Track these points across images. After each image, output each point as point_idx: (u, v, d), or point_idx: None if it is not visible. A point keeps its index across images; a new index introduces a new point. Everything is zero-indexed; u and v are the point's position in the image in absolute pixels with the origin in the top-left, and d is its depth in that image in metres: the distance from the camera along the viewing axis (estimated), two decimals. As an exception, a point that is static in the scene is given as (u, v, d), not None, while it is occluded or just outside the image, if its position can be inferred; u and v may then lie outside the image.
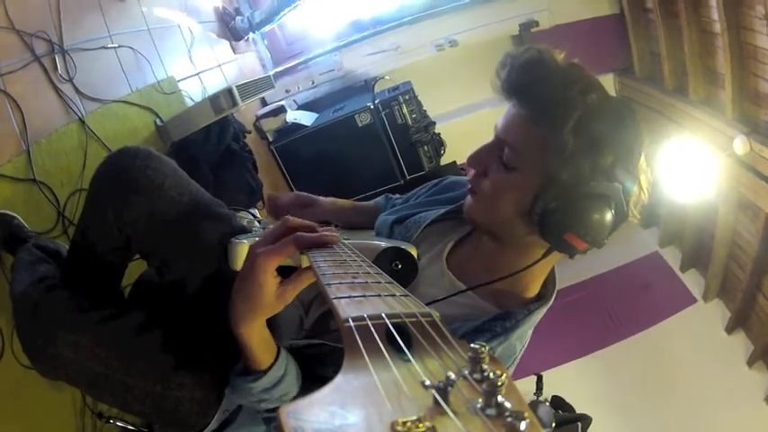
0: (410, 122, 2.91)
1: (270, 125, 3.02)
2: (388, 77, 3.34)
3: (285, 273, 0.63)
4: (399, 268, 0.77)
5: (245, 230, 0.94)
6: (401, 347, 0.32)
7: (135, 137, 1.90)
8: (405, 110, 2.90)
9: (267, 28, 3.21)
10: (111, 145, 1.72)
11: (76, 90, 1.69)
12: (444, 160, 3.11)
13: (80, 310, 0.83)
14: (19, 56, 1.52)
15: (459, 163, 3.06)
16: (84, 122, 1.65)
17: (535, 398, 2.69)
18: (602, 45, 3.38)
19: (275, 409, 0.64)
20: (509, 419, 0.23)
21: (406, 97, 2.89)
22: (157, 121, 2.03)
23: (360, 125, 2.90)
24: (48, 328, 0.80)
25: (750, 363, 2.88)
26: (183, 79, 2.36)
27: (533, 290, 0.85)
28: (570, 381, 3.01)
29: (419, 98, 3.00)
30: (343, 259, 0.56)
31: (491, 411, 0.24)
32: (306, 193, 1.09)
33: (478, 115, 3.29)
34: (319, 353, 0.77)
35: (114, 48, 1.96)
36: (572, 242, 0.73)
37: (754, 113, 2.43)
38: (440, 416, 0.24)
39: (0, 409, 1.16)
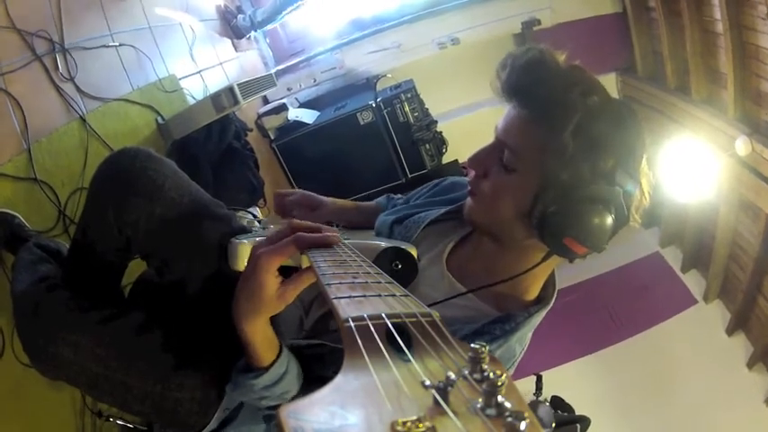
0: (412, 121, 2.91)
1: (271, 123, 3.02)
2: (389, 75, 3.34)
3: (288, 273, 0.63)
4: (399, 268, 0.77)
5: (244, 230, 0.94)
6: (401, 347, 0.32)
7: (136, 135, 1.90)
8: (406, 108, 2.90)
9: (269, 27, 3.21)
10: (112, 143, 1.72)
11: (77, 89, 1.69)
12: (446, 159, 3.11)
13: (81, 311, 0.84)
14: (20, 55, 1.52)
15: (460, 162, 3.06)
16: (85, 121, 1.65)
17: (535, 398, 2.70)
18: (605, 44, 3.37)
19: (276, 408, 0.65)
20: (509, 419, 0.23)
21: (408, 95, 2.89)
22: (159, 119, 2.03)
23: (361, 123, 2.90)
24: (49, 328, 0.80)
25: (750, 365, 2.87)
26: (184, 77, 2.36)
27: (533, 292, 0.85)
28: (570, 381, 3.01)
29: (421, 96, 2.99)
30: (344, 259, 0.56)
31: (491, 411, 0.24)
32: (312, 193, 1.09)
33: (480, 114, 3.28)
34: (319, 353, 0.77)
35: (115, 46, 1.96)
36: (571, 247, 0.72)
37: (755, 114, 2.43)
38: (440, 416, 0.24)
39: (0, 407, 1.16)
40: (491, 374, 0.26)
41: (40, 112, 1.52)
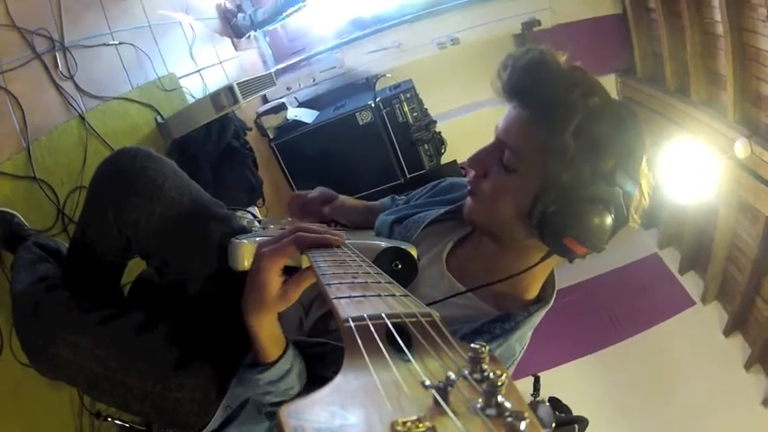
0: (411, 121, 2.91)
1: (271, 122, 3.02)
2: (389, 75, 3.34)
3: (292, 273, 0.64)
4: (399, 268, 0.77)
5: (244, 230, 0.94)
6: (401, 347, 0.32)
7: (135, 134, 1.90)
8: (406, 108, 2.90)
9: (269, 27, 3.21)
10: (112, 142, 1.72)
11: (77, 87, 1.69)
12: (445, 159, 3.11)
13: (80, 311, 0.83)
14: (20, 53, 1.51)
15: (459, 162, 3.06)
16: (84, 119, 1.65)
17: (533, 399, 2.70)
18: (605, 45, 3.38)
19: (279, 404, 0.65)
20: (509, 419, 0.23)
21: (407, 95, 2.89)
22: (158, 118, 2.02)
23: (360, 123, 2.90)
24: (48, 328, 0.80)
25: (747, 366, 2.88)
26: (184, 76, 2.36)
27: (533, 292, 0.85)
28: (568, 381, 3.01)
29: (420, 96, 2.99)
30: (343, 259, 0.56)
31: (491, 411, 0.25)
32: (327, 189, 1.10)
33: (479, 114, 3.29)
34: (321, 351, 0.77)
35: (115, 45, 1.95)
36: (571, 247, 0.72)
37: (755, 116, 2.43)
38: (440, 416, 0.24)
39: (-1, 406, 1.16)
40: (491, 374, 0.26)
41: (40, 110, 1.52)
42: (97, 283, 0.94)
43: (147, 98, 2.00)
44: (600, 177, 0.71)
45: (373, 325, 0.34)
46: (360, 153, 2.94)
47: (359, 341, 0.32)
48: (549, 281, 0.87)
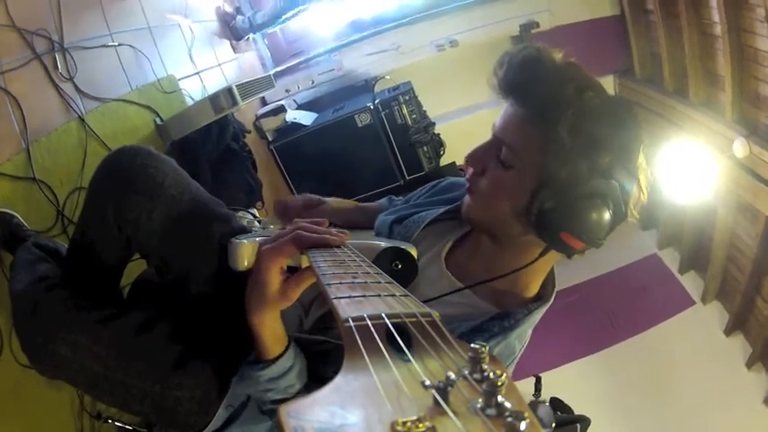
0: (410, 123, 2.91)
1: (269, 125, 3.02)
2: (388, 77, 3.34)
3: (293, 272, 0.64)
4: (399, 268, 0.77)
5: (244, 230, 0.94)
6: (401, 347, 0.32)
7: (135, 135, 1.90)
8: (404, 110, 2.90)
9: (268, 30, 3.21)
10: (111, 143, 1.72)
11: (77, 88, 1.69)
12: (444, 161, 3.10)
13: (80, 310, 0.83)
14: (19, 54, 1.52)
15: (458, 164, 3.06)
16: (83, 121, 1.65)
17: (534, 399, 2.70)
18: (603, 46, 3.38)
19: (280, 403, 0.65)
20: (509, 419, 0.23)
21: (406, 97, 2.89)
22: (157, 119, 2.03)
23: (359, 125, 2.90)
24: (47, 328, 0.80)
25: (749, 365, 2.88)
26: (183, 78, 2.36)
27: (533, 290, 0.85)
28: (569, 382, 3.01)
29: (419, 98, 2.99)
30: (343, 259, 0.56)
31: (491, 411, 0.25)
32: (312, 195, 1.10)
33: (478, 116, 3.29)
34: (323, 350, 0.77)
35: (115, 46, 1.96)
36: (568, 242, 0.72)
37: (753, 116, 2.44)
38: (440, 416, 0.24)
39: (-2, 407, 1.16)
40: (491, 374, 0.26)
41: (39, 111, 1.52)
42: (97, 284, 0.94)
43: (147, 100, 2.00)
44: (596, 172, 0.72)
45: (373, 325, 0.34)
46: (359, 155, 2.94)
47: (359, 341, 0.32)
48: (549, 279, 0.87)
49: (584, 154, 0.71)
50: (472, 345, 0.29)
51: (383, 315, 0.35)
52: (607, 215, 0.72)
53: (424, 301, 0.42)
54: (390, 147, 2.95)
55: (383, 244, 0.80)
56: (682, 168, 2.42)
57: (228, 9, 3.12)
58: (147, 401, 0.80)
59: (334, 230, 0.66)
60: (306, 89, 3.44)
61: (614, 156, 0.72)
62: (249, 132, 2.66)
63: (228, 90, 1.97)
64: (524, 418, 0.23)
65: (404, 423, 0.23)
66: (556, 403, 2.73)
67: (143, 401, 0.80)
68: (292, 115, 3.05)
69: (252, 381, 0.71)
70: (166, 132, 2.03)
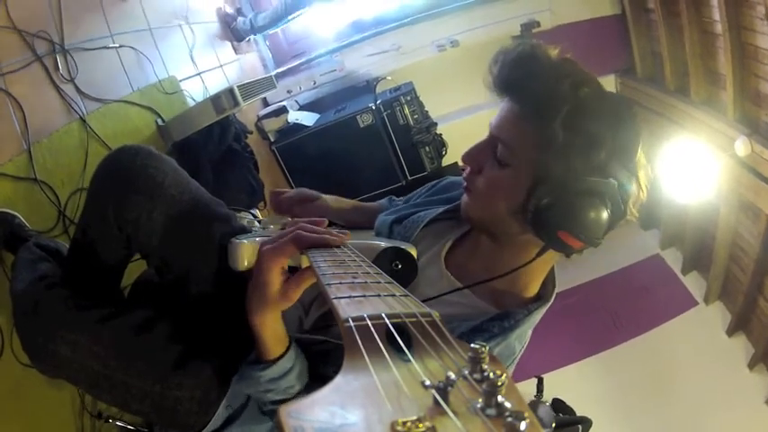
0: (412, 123, 2.91)
1: (271, 125, 3.02)
2: (389, 78, 3.34)
3: (294, 272, 0.64)
4: (399, 268, 0.77)
5: (245, 230, 0.94)
6: (401, 347, 0.32)
7: (136, 136, 1.90)
8: (406, 110, 2.90)
9: (269, 32, 3.21)
10: (112, 144, 1.72)
11: (78, 90, 1.69)
12: (446, 161, 3.11)
13: (80, 309, 0.84)
14: (20, 55, 1.52)
15: (460, 164, 3.05)
16: (85, 122, 1.66)
17: (535, 399, 2.70)
18: (604, 46, 3.38)
19: (280, 403, 0.65)
20: (509, 419, 0.23)
21: (408, 98, 2.89)
22: (159, 120, 2.03)
23: (361, 126, 2.90)
24: (48, 327, 0.80)
25: (751, 365, 2.87)
26: (184, 79, 2.36)
27: (532, 290, 0.85)
28: (571, 383, 3.01)
29: (421, 99, 2.99)
30: (343, 259, 0.56)
31: (491, 411, 0.24)
32: (308, 189, 1.09)
33: (480, 116, 3.28)
34: (323, 349, 0.77)
35: (116, 47, 1.96)
36: (566, 240, 0.72)
37: (755, 114, 2.43)
38: (440, 416, 0.24)
39: (0, 407, 1.16)
40: (491, 374, 0.26)
41: (41, 112, 1.52)
42: (97, 283, 0.94)
43: (148, 101, 2.00)
44: (593, 169, 0.71)
45: (373, 325, 0.34)
46: (361, 156, 2.94)
47: (359, 341, 0.32)
48: (550, 278, 0.86)
49: (581, 151, 0.70)
50: (472, 345, 0.29)
51: (383, 315, 0.35)
52: (605, 213, 0.71)
53: (424, 301, 0.42)
54: (392, 147, 2.95)
55: (383, 244, 0.80)
56: (683, 167, 2.42)
57: (229, 10, 3.13)
58: (147, 401, 0.80)
59: (334, 230, 0.65)
60: (307, 90, 3.44)
61: (611, 153, 0.71)
62: (251, 133, 2.66)
63: (230, 91, 1.97)
64: (524, 418, 0.23)
65: (404, 423, 0.23)
66: (558, 404, 2.72)
67: (143, 401, 0.80)
68: (294, 116, 3.05)
69: (252, 381, 0.71)
70: (168, 133, 2.03)
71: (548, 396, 2.78)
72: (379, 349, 0.31)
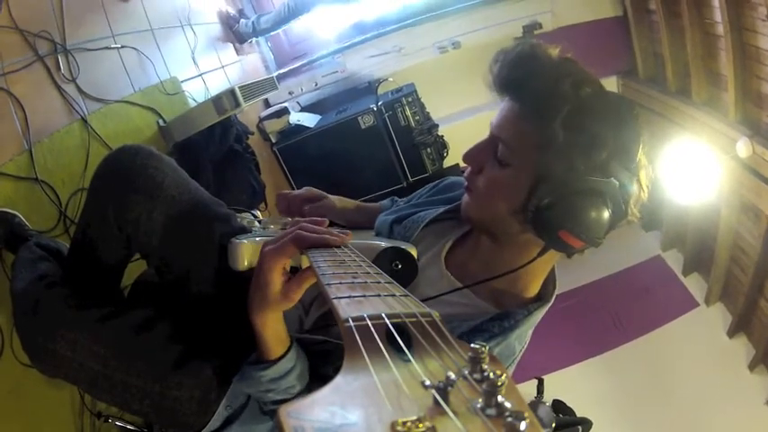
0: (413, 124, 2.91)
1: (273, 127, 3.03)
2: (391, 79, 3.34)
3: (294, 273, 0.64)
4: (399, 268, 0.77)
5: (245, 230, 0.94)
6: (401, 347, 0.32)
7: (137, 137, 1.90)
8: (408, 112, 2.90)
9: (271, 34, 3.22)
10: (114, 145, 1.72)
11: (79, 90, 1.69)
12: (447, 162, 3.11)
13: (80, 308, 0.84)
14: (22, 55, 1.52)
15: (461, 166, 3.05)
16: (86, 122, 1.66)
17: (535, 399, 2.69)
18: (606, 47, 3.37)
19: (281, 403, 0.65)
20: (509, 419, 0.23)
21: (409, 99, 2.89)
22: (160, 121, 2.03)
23: (363, 127, 2.90)
24: (48, 326, 0.80)
25: (752, 367, 2.87)
26: (186, 80, 2.36)
27: (533, 290, 0.85)
28: (572, 384, 3.00)
29: (422, 100, 3.00)
30: (343, 259, 0.56)
31: (491, 411, 0.24)
32: (315, 189, 1.09)
33: (481, 118, 3.28)
34: (324, 349, 0.77)
35: (117, 48, 1.96)
36: (567, 240, 0.72)
37: (756, 116, 2.43)
38: (440, 416, 0.24)
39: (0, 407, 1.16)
40: (491, 374, 0.26)
41: (42, 112, 1.52)
42: (97, 283, 0.94)
43: (150, 101, 2.00)
44: (594, 169, 0.70)
45: (373, 325, 0.34)
46: (362, 157, 2.94)
47: (359, 341, 0.32)
48: (550, 279, 0.86)
49: (582, 150, 0.70)
50: (472, 345, 0.29)
51: (383, 315, 0.35)
52: (606, 213, 0.71)
53: (423, 301, 0.42)
54: (393, 148, 2.95)
55: (383, 244, 0.80)
56: (685, 169, 2.42)
57: (231, 12, 3.13)
58: (147, 401, 0.80)
59: (335, 230, 0.65)
60: (309, 91, 3.45)
61: (612, 152, 0.71)
62: (252, 134, 2.67)
63: (231, 92, 1.98)
64: (524, 418, 0.23)
65: (404, 423, 0.23)
66: (558, 406, 2.72)
67: (142, 401, 0.80)
68: (296, 117, 3.05)
69: (253, 381, 0.71)
70: (169, 134, 2.03)
71: (548, 397, 2.78)
72: (379, 349, 0.31)
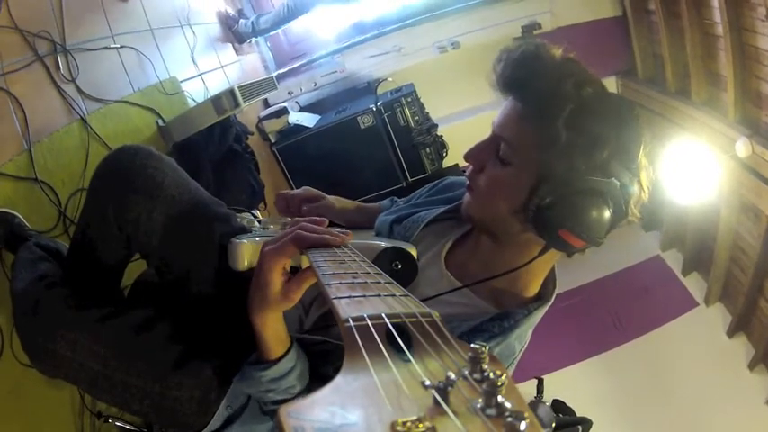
0: (412, 124, 2.91)
1: (272, 127, 3.03)
2: (390, 79, 3.34)
3: (294, 272, 0.64)
4: (399, 268, 0.77)
5: (244, 230, 0.94)
6: (401, 347, 0.32)
7: (137, 137, 1.90)
8: (407, 112, 2.90)
9: (271, 34, 3.22)
10: (113, 145, 1.72)
11: (78, 90, 1.69)
12: (446, 163, 3.11)
13: (80, 308, 0.84)
14: (21, 55, 1.52)
15: (461, 166, 3.05)
16: (85, 122, 1.66)
17: (535, 399, 2.69)
18: (605, 47, 3.38)
19: (281, 403, 0.65)
20: (509, 419, 0.23)
21: (409, 99, 2.89)
22: (159, 121, 2.03)
23: (362, 127, 2.90)
24: (48, 326, 0.80)
25: (751, 366, 2.87)
26: (185, 80, 2.36)
27: (533, 289, 0.85)
28: (572, 383, 3.00)
29: (421, 100, 3.00)
30: (343, 259, 0.56)
31: (491, 411, 0.24)
32: (313, 189, 1.09)
33: (481, 118, 3.28)
34: (324, 349, 0.77)
35: (117, 48, 1.96)
36: (567, 239, 0.72)
37: (755, 115, 2.43)
38: (440, 416, 0.24)
39: None
40: (491, 374, 0.26)
41: (41, 112, 1.52)
42: (97, 283, 0.94)
43: (149, 101, 2.00)
44: (595, 169, 0.71)
45: (373, 325, 0.34)
46: (361, 157, 2.94)
47: (359, 341, 0.32)
48: (550, 278, 0.86)
49: (583, 150, 0.70)
50: (472, 345, 0.29)
51: (383, 315, 0.35)
52: (606, 213, 0.71)
53: (423, 301, 0.42)
54: (393, 149, 2.95)
55: (383, 244, 0.80)
56: (684, 169, 2.42)
57: (231, 12, 3.13)
58: (147, 401, 0.80)
59: (335, 230, 0.65)
60: (308, 91, 3.45)
61: (613, 153, 0.71)
62: (252, 134, 2.66)
63: (231, 92, 1.98)
64: (524, 418, 0.23)
65: (404, 423, 0.23)
66: (558, 405, 2.72)
67: (142, 401, 0.80)
68: (295, 117, 3.05)
69: (253, 381, 0.71)
70: (169, 134, 2.03)
71: (548, 397, 2.78)
72: (379, 349, 0.31)
